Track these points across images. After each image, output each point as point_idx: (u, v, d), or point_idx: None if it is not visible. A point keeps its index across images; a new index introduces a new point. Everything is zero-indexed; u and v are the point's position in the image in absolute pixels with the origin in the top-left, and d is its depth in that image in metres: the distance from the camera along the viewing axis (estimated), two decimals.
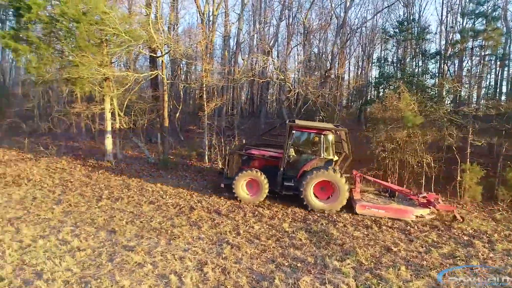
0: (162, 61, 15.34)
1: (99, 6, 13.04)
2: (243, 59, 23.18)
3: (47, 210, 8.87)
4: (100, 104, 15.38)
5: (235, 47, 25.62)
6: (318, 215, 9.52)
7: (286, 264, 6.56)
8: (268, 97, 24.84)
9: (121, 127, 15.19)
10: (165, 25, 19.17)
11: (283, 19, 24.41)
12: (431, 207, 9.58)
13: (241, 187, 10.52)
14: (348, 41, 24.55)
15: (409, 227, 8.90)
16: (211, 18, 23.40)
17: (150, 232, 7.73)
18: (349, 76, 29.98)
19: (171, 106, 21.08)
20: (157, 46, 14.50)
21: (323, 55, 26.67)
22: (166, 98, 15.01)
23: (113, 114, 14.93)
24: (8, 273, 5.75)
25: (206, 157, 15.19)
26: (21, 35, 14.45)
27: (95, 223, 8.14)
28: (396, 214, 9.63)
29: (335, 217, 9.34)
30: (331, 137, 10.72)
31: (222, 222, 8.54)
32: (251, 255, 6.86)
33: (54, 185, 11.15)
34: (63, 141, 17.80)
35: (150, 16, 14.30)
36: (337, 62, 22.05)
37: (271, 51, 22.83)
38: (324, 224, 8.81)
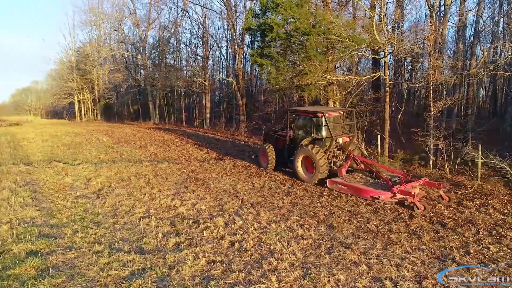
0: (384, 62, 15.07)
1: (327, 17, 14.11)
2: (482, 50, 19.69)
3: (279, 200, 10.40)
4: None
5: (472, 37, 22.15)
6: None
7: None
8: None
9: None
10: (388, 25, 18.69)
11: None
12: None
13: (261, 158, 14.34)
14: None
15: None
16: (442, 9, 21.11)
17: (367, 233, 7.81)
18: None
19: (393, 108, 20.38)
20: (380, 47, 14.35)
21: None
22: (387, 100, 14.67)
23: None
24: (250, 246, 7.12)
25: (431, 163, 13.86)
26: (264, 52, 17.41)
27: (316, 217, 8.92)
28: (354, 192, 10.49)
29: None
30: (322, 119, 12.01)
31: (447, 236, 7.64)
32: None
33: (284, 179, 12.87)
34: None
35: (374, 18, 14.30)
36: None
37: None
38: None
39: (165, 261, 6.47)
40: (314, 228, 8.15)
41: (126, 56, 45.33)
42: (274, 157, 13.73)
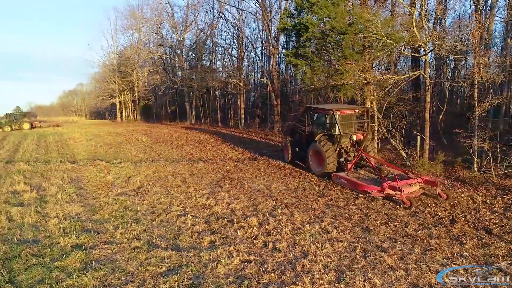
0: (425, 60, 14.49)
1: (363, 15, 13.78)
2: None
3: (313, 201, 10.31)
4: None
5: None
6: None
7: None
8: None
9: (380, 129, 15.46)
10: (429, 21, 17.95)
11: None
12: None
13: (284, 152, 15.74)
14: None
15: None
16: (488, 2, 20.01)
17: (404, 238, 7.55)
18: None
19: (434, 107, 19.59)
20: (420, 45, 13.82)
21: None
22: (428, 99, 14.09)
23: (372, 116, 15.43)
24: (283, 247, 7.12)
25: (475, 165, 13.15)
26: (299, 52, 17.30)
27: (352, 219, 8.75)
28: (351, 186, 11.18)
29: None
30: (333, 117, 12.69)
31: (492, 243, 7.22)
32: None
33: (319, 180, 12.73)
34: None
35: (414, 15, 13.78)
36: None
37: None
38: None
39: (200, 259, 6.62)
40: (349, 230, 8.00)
41: (164, 58, 46.73)
42: (291, 151, 14.98)
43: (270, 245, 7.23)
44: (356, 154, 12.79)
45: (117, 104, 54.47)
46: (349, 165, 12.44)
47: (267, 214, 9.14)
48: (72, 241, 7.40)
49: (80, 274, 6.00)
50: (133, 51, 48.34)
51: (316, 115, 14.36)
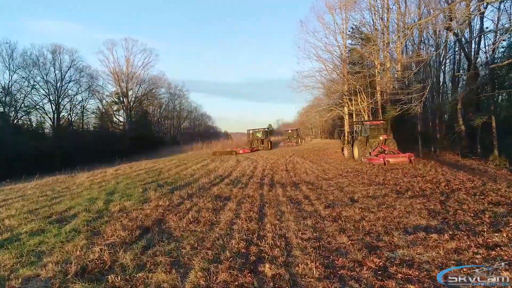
0: None
1: None
2: None
3: None
4: None
5: None
6: None
7: None
8: None
9: None
10: None
11: None
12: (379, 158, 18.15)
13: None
14: None
15: None
16: None
17: None
18: None
19: None
20: None
21: None
22: None
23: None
24: None
25: None
26: None
27: None
28: (368, 161, 18.53)
29: None
30: (364, 126, 21.25)
31: None
32: None
33: None
34: None
35: None
36: None
37: None
38: None
39: None
40: None
41: None
42: (348, 149, 23.23)
43: None
44: (381, 147, 19.45)
45: (346, 120, 54.04)
46: (372, 153, 19.40)
47: None
48: None
49: None
50: None
51: (360, 126, 22.56)
